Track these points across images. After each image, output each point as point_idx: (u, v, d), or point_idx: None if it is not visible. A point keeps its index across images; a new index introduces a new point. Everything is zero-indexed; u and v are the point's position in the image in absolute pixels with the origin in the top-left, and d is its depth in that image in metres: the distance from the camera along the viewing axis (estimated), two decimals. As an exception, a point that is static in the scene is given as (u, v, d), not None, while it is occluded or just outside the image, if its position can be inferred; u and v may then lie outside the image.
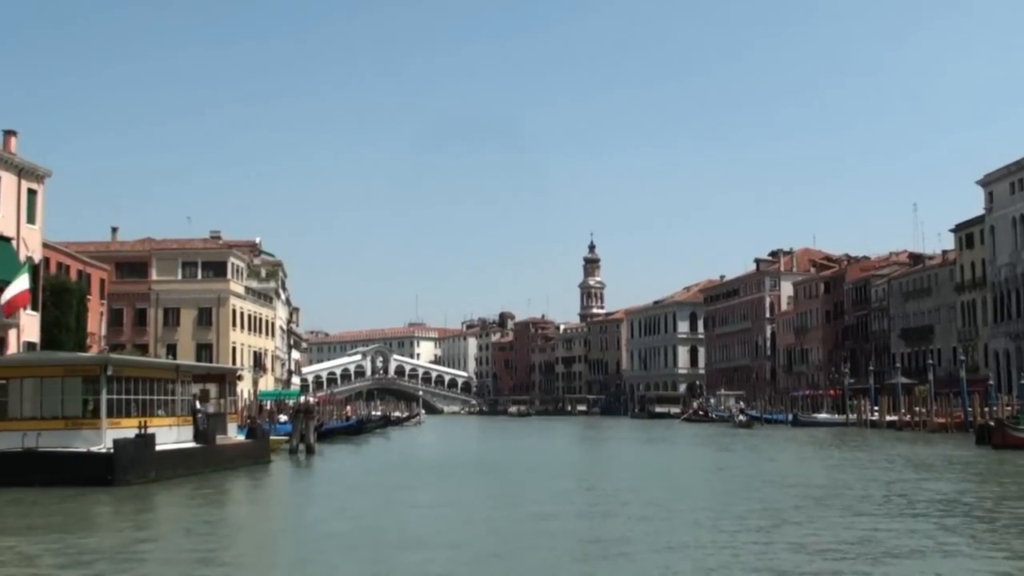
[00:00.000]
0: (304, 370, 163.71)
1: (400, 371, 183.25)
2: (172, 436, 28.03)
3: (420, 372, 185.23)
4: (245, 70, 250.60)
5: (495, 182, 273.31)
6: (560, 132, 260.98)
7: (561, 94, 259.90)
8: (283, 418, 51.61)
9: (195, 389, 31.64)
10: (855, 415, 72.57)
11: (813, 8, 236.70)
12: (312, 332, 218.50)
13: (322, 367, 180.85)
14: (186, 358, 74.04)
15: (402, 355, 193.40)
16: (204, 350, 74.13)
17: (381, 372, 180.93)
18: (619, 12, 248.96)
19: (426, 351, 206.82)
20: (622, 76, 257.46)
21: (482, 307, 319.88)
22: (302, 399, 52.05)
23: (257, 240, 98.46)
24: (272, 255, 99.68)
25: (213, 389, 33.56)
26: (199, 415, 29.57)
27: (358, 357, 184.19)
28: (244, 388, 75.49)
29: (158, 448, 26.49)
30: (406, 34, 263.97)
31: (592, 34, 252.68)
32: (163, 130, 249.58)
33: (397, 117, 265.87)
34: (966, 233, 77.08)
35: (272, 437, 37.58)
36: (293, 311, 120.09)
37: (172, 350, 73.70)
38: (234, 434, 32.67)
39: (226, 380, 34.28)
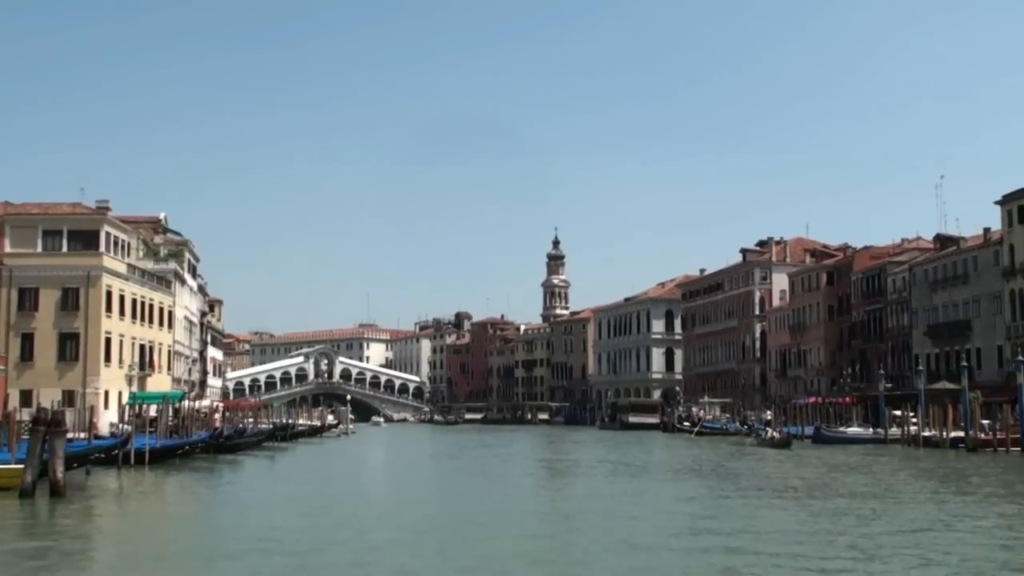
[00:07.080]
0: (234, 373, 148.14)
1: (346, 375, 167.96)
2: None
3: (368, 376, 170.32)
4: (220, 64, 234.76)
5: (452, 177, 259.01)
6: (528, 124, 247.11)
7: (535, 86, 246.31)
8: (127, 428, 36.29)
9: None
10: (897, 429, 57.91)
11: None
12: (256, 333, 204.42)
13: (258, 370, 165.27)
14: (46, 349, 58.93)
15: (350, 358, 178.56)
16: (69, 340, 59.01)
17: (325, 376, 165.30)
18: (602, 11, 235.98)
19: (376, 354, 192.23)
20: (597, 73, 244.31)
21: (439, 307, 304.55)
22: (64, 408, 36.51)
23: (161, 216, 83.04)
24: (179, 234, 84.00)
25: None
26: None
27: (300, 359, 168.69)
28: (116, 388, 60.67)
29: None
30: (377, 34, 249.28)
31: (571, 33, 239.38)
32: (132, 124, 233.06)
33: (356, 118, 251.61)
34: (1018, 205, 62.91)
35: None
36: (213, 304, 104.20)
37: (28, 340, 58.52)
38: None
39: None
